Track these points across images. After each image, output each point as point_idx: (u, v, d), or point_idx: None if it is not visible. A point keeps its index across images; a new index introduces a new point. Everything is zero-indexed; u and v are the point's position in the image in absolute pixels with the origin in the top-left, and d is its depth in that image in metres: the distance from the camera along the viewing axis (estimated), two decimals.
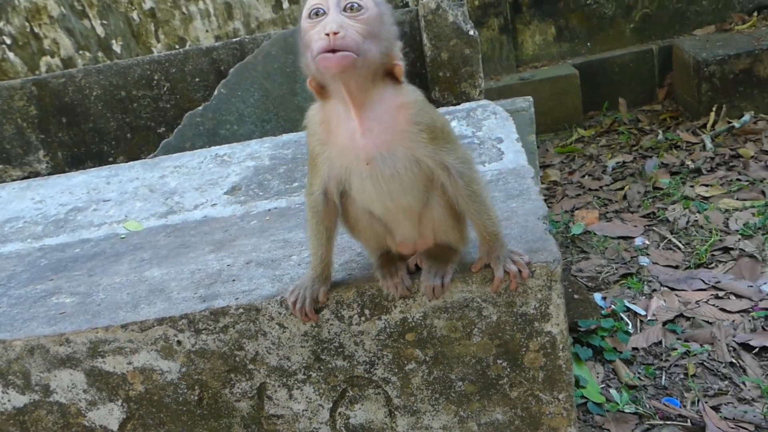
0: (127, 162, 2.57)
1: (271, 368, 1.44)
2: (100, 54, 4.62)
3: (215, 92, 2.68)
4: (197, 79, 2.86)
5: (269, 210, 1.94)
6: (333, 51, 1.08)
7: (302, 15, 1.13)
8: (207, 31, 4.52)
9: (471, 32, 2.63)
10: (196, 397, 1.48)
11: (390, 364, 1.40)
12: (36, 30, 4.62)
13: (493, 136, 2.07)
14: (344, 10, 1.11)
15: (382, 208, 1.26)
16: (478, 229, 1.29)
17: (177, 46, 4.55)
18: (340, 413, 1.46)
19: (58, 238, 2.09)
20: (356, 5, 1.11)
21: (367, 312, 1.38)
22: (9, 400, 1.51)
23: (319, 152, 1.25)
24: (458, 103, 2.45)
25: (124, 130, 2.95)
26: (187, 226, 1.96)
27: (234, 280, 1.52)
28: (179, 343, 1.44)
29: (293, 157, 2.27)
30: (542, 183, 4.03)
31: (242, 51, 2.76)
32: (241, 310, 1.41)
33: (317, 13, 1.11)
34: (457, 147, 1.26)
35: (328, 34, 1.07)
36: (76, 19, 4.53)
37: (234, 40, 2.80)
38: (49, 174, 2.73)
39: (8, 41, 4.56)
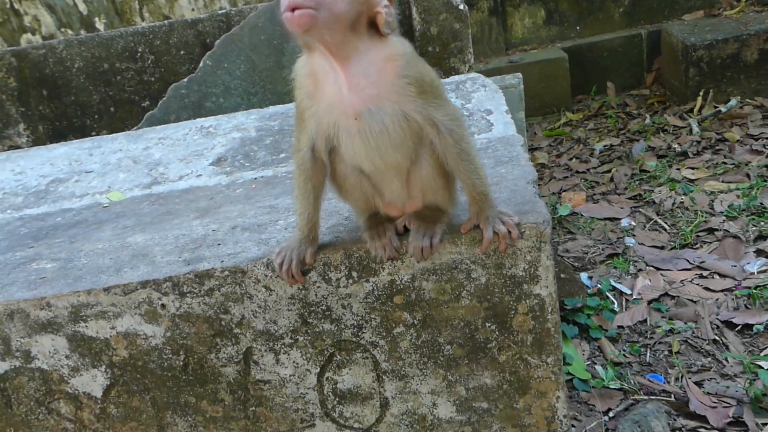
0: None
1: (257, 332, 1.42)
2: (82, 32, 4.53)
3: (200, 64, 2.63)
4: (182, 52, 2.80)
5: (255, 179, 1.91)
6: (293, 10, 1.05)
7: None
8: (193, 9, 4.45)
9: (461, 6, 2.61)
10: (181, 363, 1.46)
11: (378, 328, 1.38)
12: (16, 6, 4.52)
13: (483, 108, 2.05)
14: None
15: (371, 166, 1.24)
16: (467, 189, 1.27)
17: None
18: (327, 378, 1.44)
19: (39, 208, 2.05)
20: None
21: (354, 274, 1.36)
22: None
23: (307, 106, 1.22)
24: (448, 78, 2.43)
25: (107, 103, 2.89)
26: (172, 195, 1.93)
27: (219, 245, 1.50)
28: (163, 306, 1.42)
29: (280, 128, 2.24)
30: None
31: (228, 23, 2.71)
32: (226, 273, 1.39)
33: None
34: (446, 103, 1.24)
35: None
36: None
37: (220, 12, 2.75)
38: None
39: None
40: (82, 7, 4.49)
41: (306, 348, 1.42)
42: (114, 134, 2.45)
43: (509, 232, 1.27)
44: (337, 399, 1.46)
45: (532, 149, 4.25)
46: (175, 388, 1.48)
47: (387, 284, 1.35)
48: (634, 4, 4.77)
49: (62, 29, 4.54)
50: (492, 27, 4.72)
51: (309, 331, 1.41)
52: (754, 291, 2.51)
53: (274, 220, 1.57)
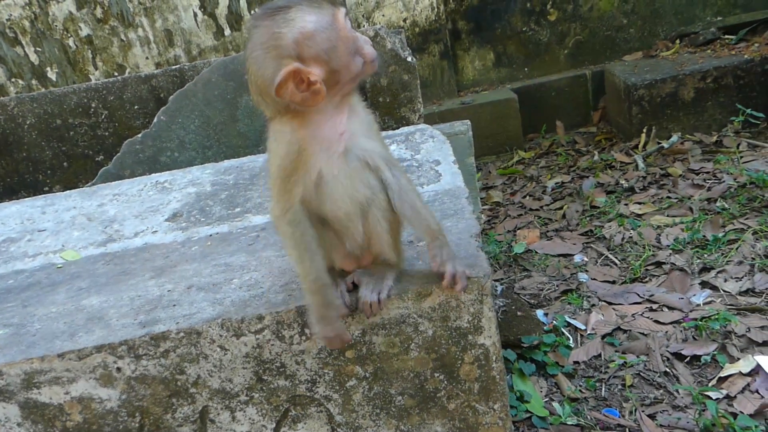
0: (63, 191, 2.52)
1: (213, 391, 1.44)
2: (34, 82, 4.52)
3: (155, 119, 2.66)
4: (136, 107, 2.84)
5: (211, 235, 1.94)
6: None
7: (341, 25, 1.22)
8: (147, 58, 4.50)
9: (409, 59, 2.71)
10: (137, 425, 1.46)
11: (331, 382, 1.42)
12: None
13: (431, 159, 2.13)
14: None
15: (345, 205, 1.31)
16: (424, 227, 1.34)
17: (116, 74, 4.50)
18: None
19: None
20: None
21: (307, 331, 1.40)
22: None
23: (305, 160, 1.28)
24: (398, 127, 2.52)
25: (61, 158, 2.89)
26: (127, 253, 1.94)
27: (175, 305, 1.52)
28: (119, 369, 1.43)
29: (235, 182, 2.28)
30: (485, 204, 4.13)
31: (182, 78, 2.76)
32: (181, 334, 1.41)
33: (352, 26, 1.25)
34: (388, 150, 1.37)
35: (372, 45, 1.27)
36: (7, 47, 4.43)
37: (173, 67, 2.81)
38: None
39: None
40: (33, 57, 4.49)
41: (262, 404, 1.44)
42: (68, 191, 2.45)
43: (457, 278, 1.32)
44: None
45: (487, 188, 4.36)
46: None
47: None
48: (577, 47, 4.99)
49: (12, 79, 4.52)
50: (444, 70, 4.87)
51: (264, 387, 1.43)
52: (700, 323, 2.59)
53: (229, 278, 1.60)
